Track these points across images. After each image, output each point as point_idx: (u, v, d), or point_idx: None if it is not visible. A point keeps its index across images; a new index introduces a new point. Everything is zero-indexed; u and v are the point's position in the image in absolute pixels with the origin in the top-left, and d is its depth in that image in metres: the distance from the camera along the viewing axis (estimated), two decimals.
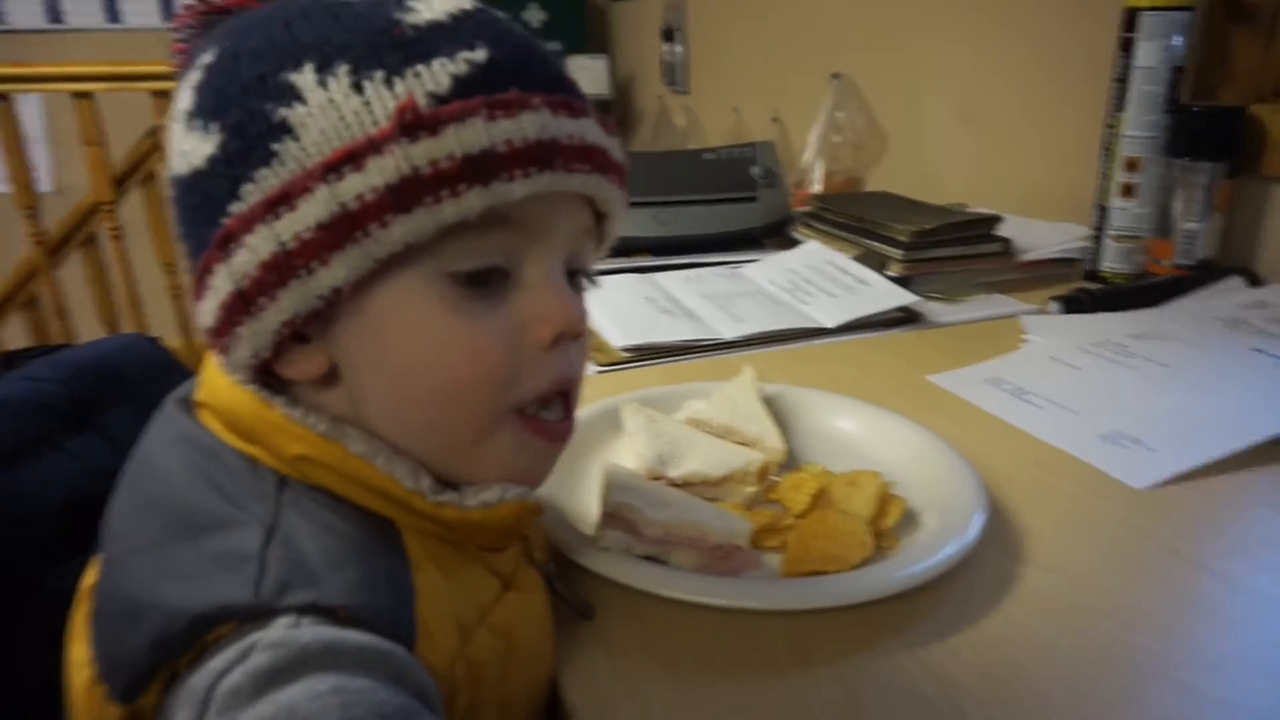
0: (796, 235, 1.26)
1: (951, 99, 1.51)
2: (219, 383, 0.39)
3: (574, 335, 0.40)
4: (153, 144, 2.35)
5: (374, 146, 0.34)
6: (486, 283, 0.38)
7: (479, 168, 0.35)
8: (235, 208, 0.36)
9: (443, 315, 0.37)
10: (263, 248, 0.35)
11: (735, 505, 0.58)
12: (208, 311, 0.38)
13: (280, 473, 0.37)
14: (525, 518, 0.41)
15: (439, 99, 0.35)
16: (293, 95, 0.35)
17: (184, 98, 0.38)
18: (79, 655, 0.38)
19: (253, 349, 0.37)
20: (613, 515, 0.51)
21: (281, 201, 0.35)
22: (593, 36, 3.10)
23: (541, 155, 0.36)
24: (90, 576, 0.40)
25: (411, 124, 0.34)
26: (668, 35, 2.66)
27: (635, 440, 0.62)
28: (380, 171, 0.34)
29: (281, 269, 0.35)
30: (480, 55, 0.36)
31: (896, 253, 1.05)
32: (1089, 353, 0.84)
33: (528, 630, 0.43)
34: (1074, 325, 0.92)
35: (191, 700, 0.32)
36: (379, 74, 0.35)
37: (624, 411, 0.65)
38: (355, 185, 0.34)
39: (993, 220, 1.11)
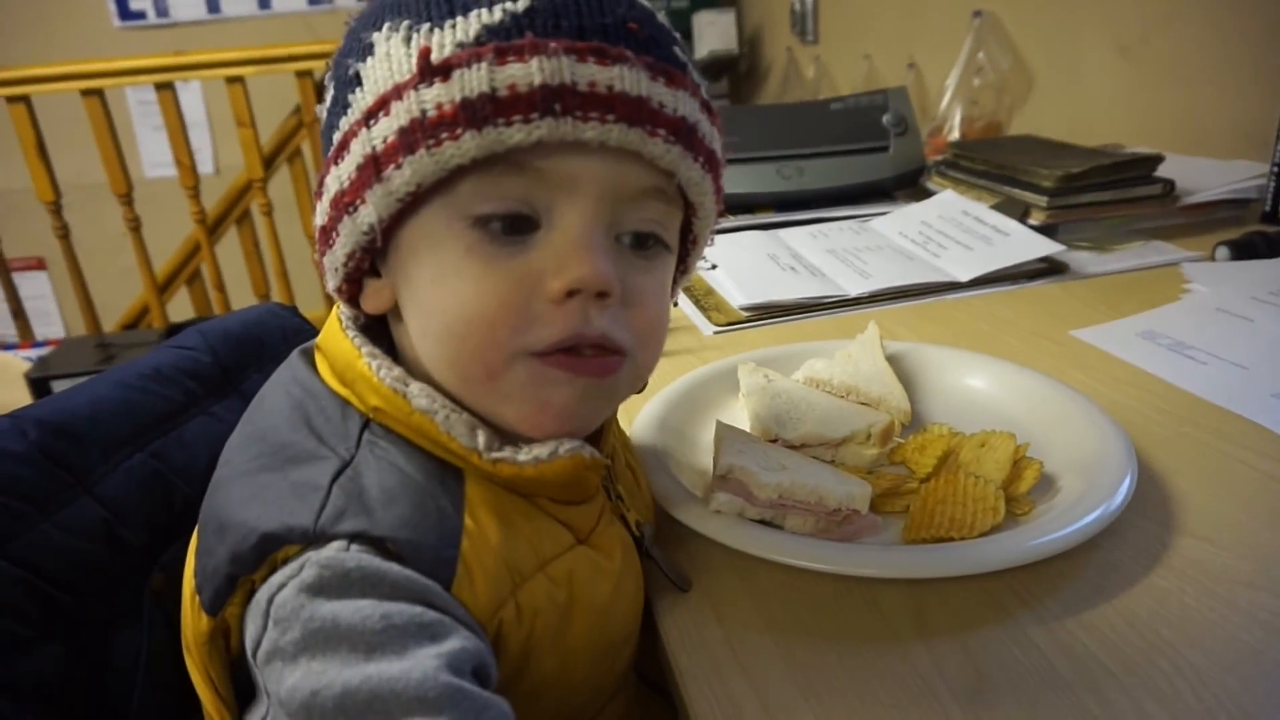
0: (931, 185, 1.20)
1: (1110, 29, 1.38)
2: (333, 329, 0.43)
3: (595, 292, 0.38)
4: (298, 121, 2.48)
5: (398, 92, 0.36)
6: (511, 230, 0.38)
7: (474, 112, 0.35)
8: (329, 152, 0.40)
9: (458, 256, 0.38)
10: (332, 187, 0.40)
11: (855, 468, 0.55)
12: (320, 213, 0.42)
13: (366, 417, 0.41)
14: (583, 472, 0.41)
15: (462, 47, 0.36)
16: (367, 51, 0.38)
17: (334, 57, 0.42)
18: (188, 574, 0.42)
19: (334, 279, 0.42)
20: (725, 478, 0.49)
21: (343, 146, 0.39)
22: None
23: (545, 101, 0.35)
24: None
25: (427, 70, 0.35)
26: None
27: (751, 401, 0.60)
28: (398, 115, 0.36)
29: (339, 207, 0.39)
30: (521, 5, 0.36)
31: (1040, 199, 0.98)
32: (1263, 302, 0.76)
33: (597, 586, 0.43)
34: (1246, 272, 0.83)
35: (257, 611, 0.36)
36: (425, 26, 0.37)
37: (740, 371, 0.64)
38: (381, 129, 0.37)
39: (1153, 160, 1.01)
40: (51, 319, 3.48)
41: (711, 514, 0.49)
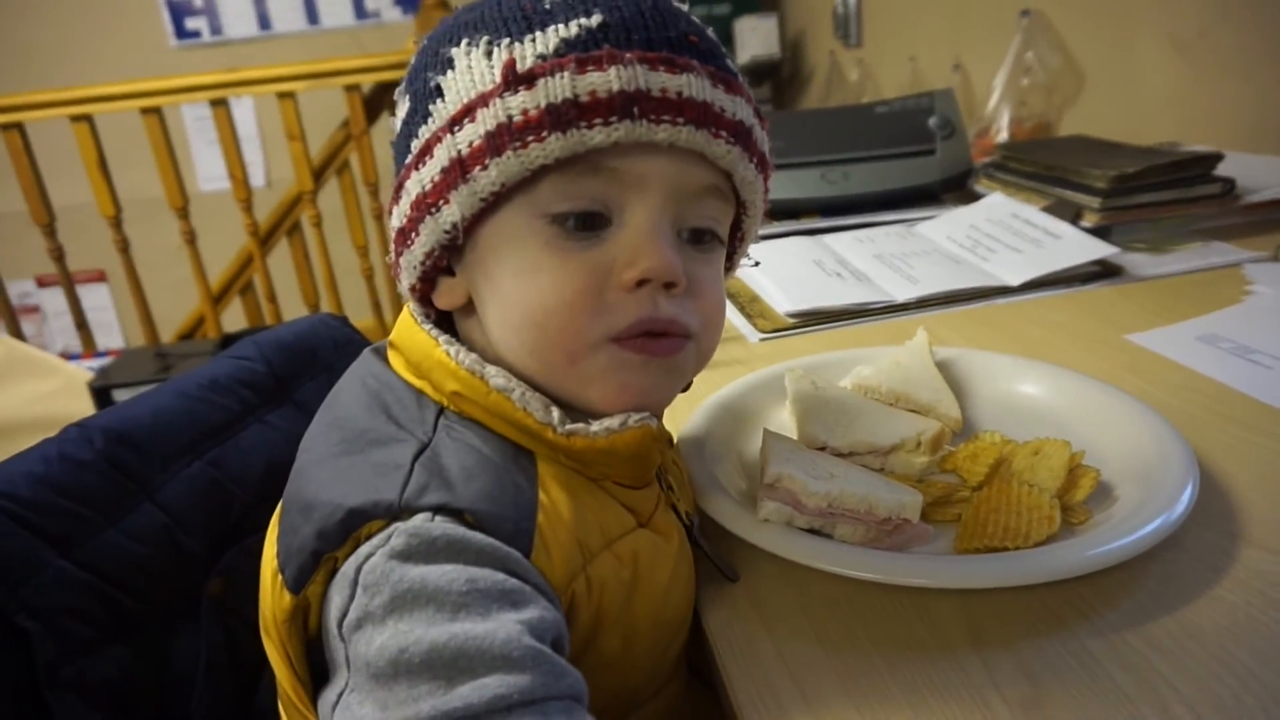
0: (979, 188, 1.18)
1: (1165, 24, 1.35)
2: (405, 325, 0.46)
3: (665, 283, 0.41)
4: (346, 135, 2.52)
5: (484, 100, 0.39)
6: (585, 226, 0.41)
7: (560, 116, 0.38)
8: (407, 159, 0.43)
9: (537, 250, 0.41)
10: (413, 190, 0.42)
11: (906, 476, 0.55)
12: (399, 215, 0.45)
13: (441, 404, 0.43)
14: (650, 443, 0.43)
15: (543, 58, 0.39)
16: (447, 65, 0.41)
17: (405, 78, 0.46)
18: (269, 554, 0.44)
19: (409, 277, 0.45)
20: (774, 486, 0.49)
21: (425, 152, 0.42)
22: None
23: (623, 105, 0.39)
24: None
25: (512, 79, 0.39)
26: None
27: (798, 408, 0.60)
28: (484, 121, 0.39)
29: (420, 208, 0.42)
30: (594, 20, 0.40)
31: (1093, 201, 0.96)
32: None
33: (659, 566, 0.45)
34: None
35: (344, 583, 0.38)
36: (505, 41, 0.40)
37: (787, 379, 0.63)
38: (468, 134, 0.40)
39: (1211, 159, 0.98)
40: (111, 330, 3.59)
41: (760, 522, 0.49)
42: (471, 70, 0.40)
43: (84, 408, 1.92)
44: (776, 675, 0.42)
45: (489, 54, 0.40)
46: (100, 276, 3.50)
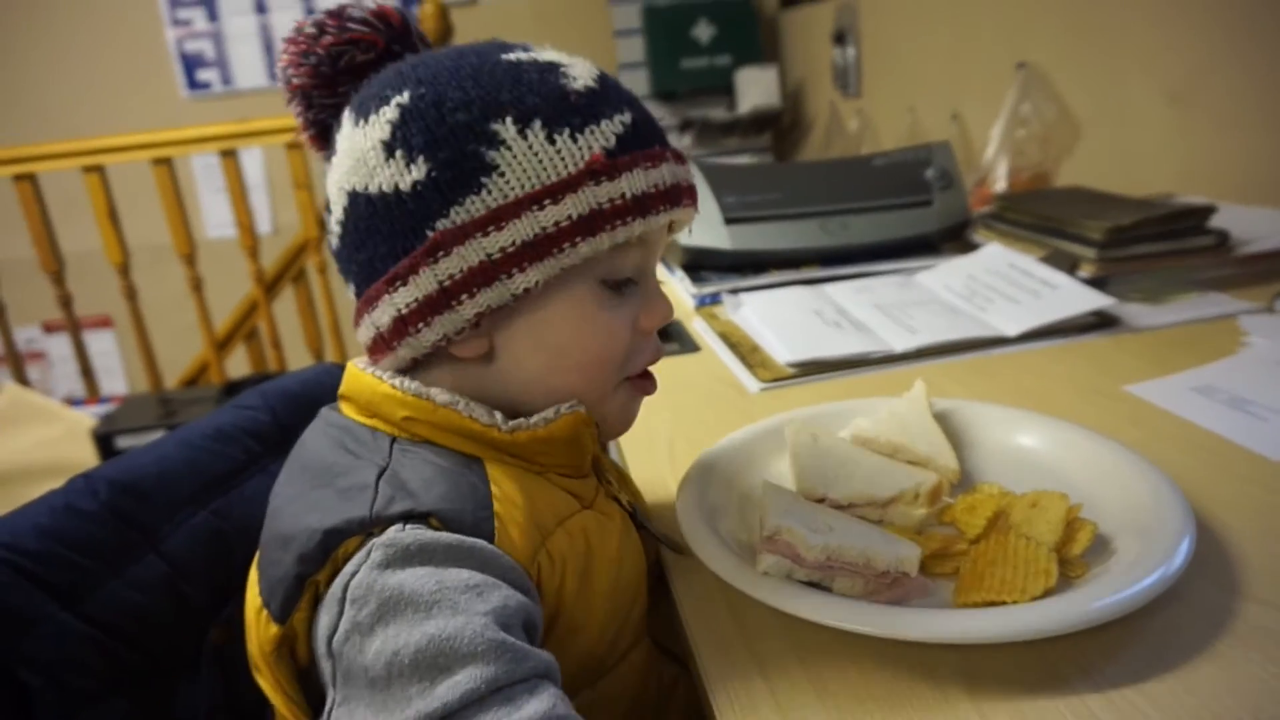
0: (976, 238, 1.19)
1: (1157, 77, 1.38)
2: (351, 376, 0.52)
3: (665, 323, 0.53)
4: None
5: (569, 186, 0.45)
6: (622, 287, 0.50)
7: (640, 204, 0.47)
8: (442, 224, 0.46)
9: (594, 309, 0.49)
10: (471, 256, 0.45)
11: (904, 529, 0.55)
12: (400, 302, 0.47)
13: (393, 435, 0.49)
14: (581, 427, 0.51)
15: (610, 152, 0.46)
16: (498, 141, 0.45)
17: (377, 130, 0.47)
18: (251, 595, 0.48)
19: (443, 332, 0.47)
20: (773, 539, 0.49)
21: (491, 222, 0.45)
22: (763, 46, 3.08)
23: (673, 195, 0.49)
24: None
25: (598, 171, 0.46)
26: (839, 38, 2.60)
27: (797, 460, 0.60)
28: (574, 205, 0.45)
29: (486, 273, 0.46)
30: (628, 118, 0.48)
31: (1089, 252, 0.97)
32: None
33: (607, 540, 0.52)
34: None
35: (332, 602, 0.43)
36: (566, 131, 0.46)
37: (786, 430, 0.64)
38: (553, 215, 0.45)
39: (1205, 211, 1.00)
40: (116, 375, 3.60)
41: (759, 575, 0.49)
42: (537, 154, 0.45)
43: (86, 454, 1.92)
44: None
45: (551, 140, 0.45)
46: (106, 322, 3.53)
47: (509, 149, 0.45)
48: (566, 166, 0.45)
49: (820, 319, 0.95)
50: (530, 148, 0.45)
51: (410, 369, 0.51)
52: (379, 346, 0.50)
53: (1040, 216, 1.09)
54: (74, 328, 2.47)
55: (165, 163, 2.28)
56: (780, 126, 3.08)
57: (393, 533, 0.43)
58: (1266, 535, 0.52)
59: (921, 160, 1.22)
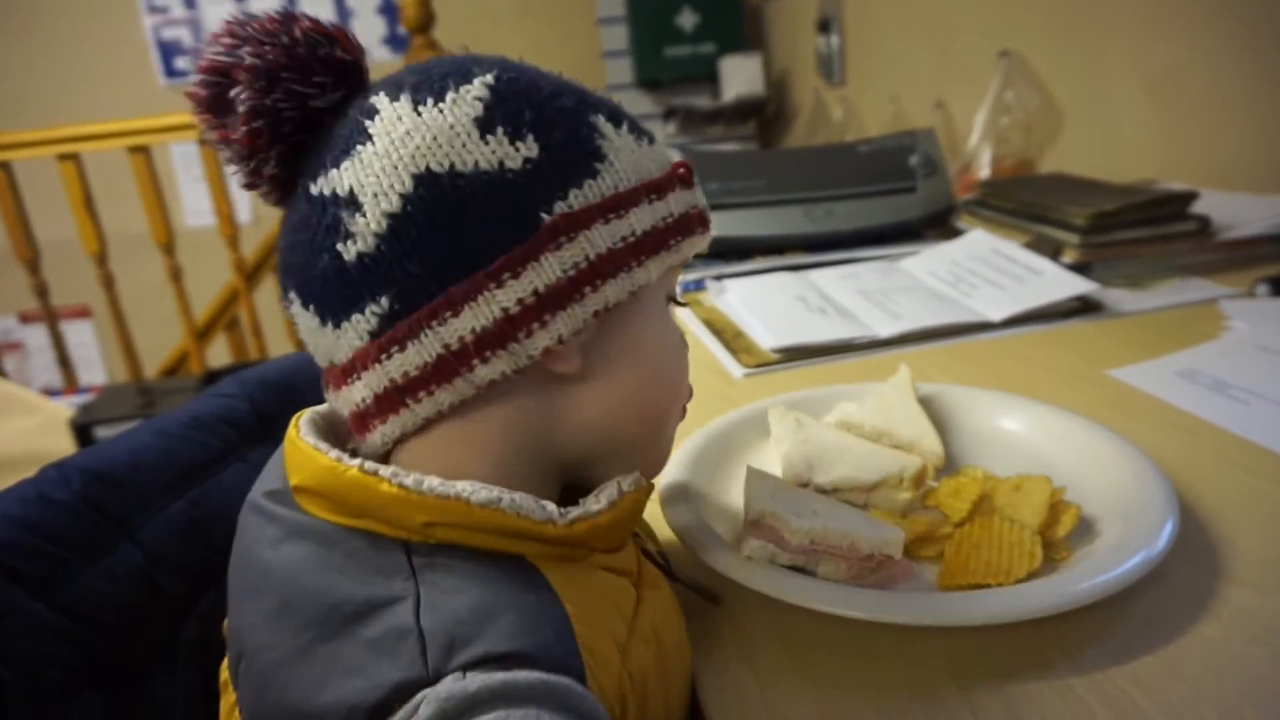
0: (960, 225, 1.19)
1: (1137, 66, 1.38)
2: (314, 465, 0.40)
3: None
4: None
5: (667, 186, 0.43)
6: (671, 308, 0.47)
7: (705, 218, 0.45)
8: (560, 207, 0.39)
9: (671, 321, 0.47)
10: (600, 243, 0.40)
11: (889, 513, 0.55)
12: (511, 298, 0.38)
13: (403, 539, 0.38)
14: (644, 500, 0.44)
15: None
16: (600, 131, 0.42)
17: (462, 107, 0.39)
18: None
19: (560, 332, 0.39)
20: (757, 523, 0.49)
21: (612, 209, 0.40)
22: (747, 34, 3.07)
23: (708, 223, 0.46)
24: (230, 691, 0.42)
25: (684, 177, 0.44)
26: (823, 26, 2.59)
27: (782, 445, 0.60)
28: (675, 203, 0.43)
29: (613, 262, 0.40)
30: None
31: (1072, 238, 0.98)
32: None
33: (670, 626, 0.45)
34: None
35: None
36: (645, 139, 0.44)
37: (771, 415, 0.63)
38: (662, 209, 0.42)
39: (1187, 197, 1.00)
40: (95, 366, 3.56)
41: (744, 560, 0.49)
42: (634, 150, 0.42)
43: (65, 445, 1.90)
44: (759, 713, 0.41)
45: (639, 142, 0.43)
46: (84, 312, 3.49)
47: (610, 141, 0.42)
48: (660, 167, 0.43)
49: (804, 305, 0.95)
50: (628, 144, 0.42)
51: (391, 449, 0.42)
52: (421, 383, 0.39)
53: (1023, 203, 1.09)
54: (50, 317, 2.43)
55: (143, 151, 2.25)
56: (765, 115, 3.08)
57: (451, 683, 0.32)
58: (1248, 518, 0.52)
59: (906, 147, 1.22)
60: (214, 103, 0.42)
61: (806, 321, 0.90)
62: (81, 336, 3.50)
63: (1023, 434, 0.62)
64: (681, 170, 0.44)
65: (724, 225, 1.13)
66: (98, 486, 0.59)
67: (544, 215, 0.39)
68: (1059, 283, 0.90)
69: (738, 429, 0.65)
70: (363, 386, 0.40)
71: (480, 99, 0.40)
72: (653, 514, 0.56)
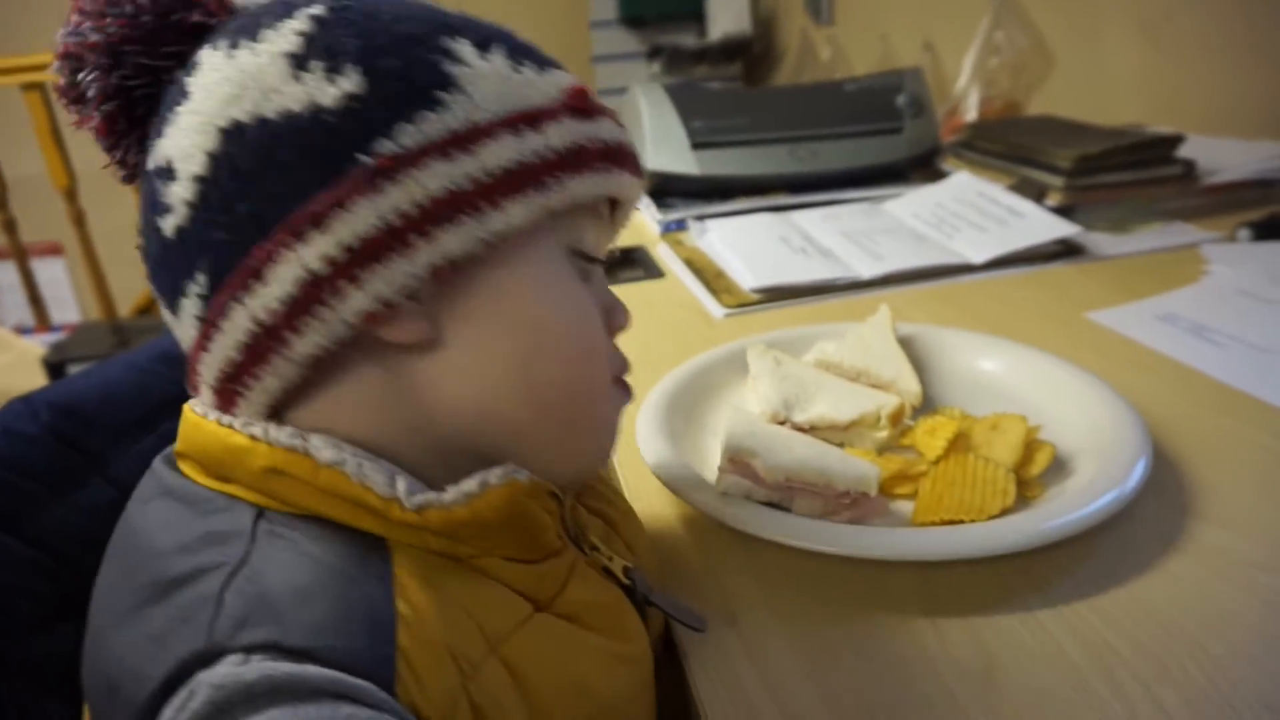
0: (946, 167, 1.18)
1: (1133, 6, 1.36)
2: (190, 425, 0.37)
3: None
4: None
5: (549, 114, 0.36)
6: (587, 265, 0.40)
7: (616, 155, 0.39)
8: (385, 146, 0.34)
9: (572, 280, 0.39)
10: (432, 185, 0.33)
11: (865, 451, 0.55)
12: (316, 254, 0.33)
13: (258, 505, 0.35)
14: (523, 502, 0.36)
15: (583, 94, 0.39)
16: (454, 57, 0.36)
17: (277, 43, 0.35)
18: None
19: (380, 293, 0.34)
20: (733, 460, 0.49)
21: (457, 144, 0.34)
22: None
23: (635, 162, 0.41)
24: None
25: (579, 107, 0.38)
26: None
27: (760, 383, 0.60)
28: (558, 135, 0.36)
29: (452, 206, 0.34)
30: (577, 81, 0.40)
31: (1057, 180, 0.97)
32: None
33: (572, 659, 0.37)
34: (1267, 254, 0.81)
35: None
36: (528, 62, 0.38)
37: (749, 354, 0.63)
38: (535, 142, 0.36)
39: (1173, 141, 0.99)
40: (67, 305, 3.51)
41: (719, 496, 0.49)
42: (505, 76, 0.36)
43: (37, 382, 1.87)
44: (733, 649, 0.42)
45: (516, 67, 0.37)
46: (56, 249, 3.42)
47: (469, 68, 0.35)
48: (546, 96, 0.37)
49: (787, 245, 0.94)
50: (496, 69, 0.36)
51: (279, 409, 0.36)
52: (243, 367, 0.35)
53: (1010, 145, 1.08)
54: (20, 254, 2.39)
55: None
56: (751, 55, 3.02)
57: (229, 667, 0.29)
58: (1220, 458, 0.53)
59: (893, 87, 1.20)
60: (72, 90, 0.38)
61: (788, 262, 0.89)
62: (53, 274, 3.44)
63: (1000, 375, 0.62)
64: (575, 97, 0.38)
65: (707, 164, 1.11)
66: (66, 420, 0.58)
67: (362, 156, 0.33)
68: (1041, 225, 0.90)
69: (717, 368, 0.65)
70: (204, 379, 0.36)
71: (301, 32, 0.35)
72: (630, 452, 0.56)
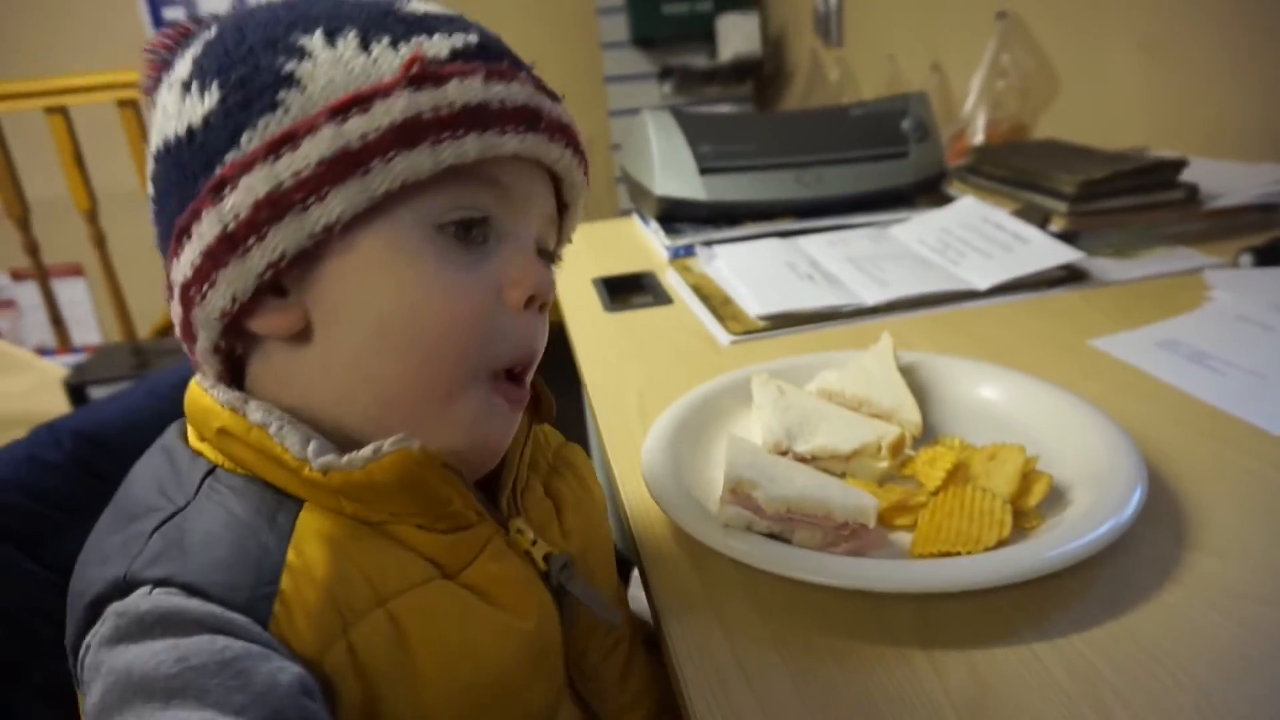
0: (951, 191, 1.19)
1: (1134, 29, 1.37)
2: (189, 392, 0.42)
3: (543, 302, 0.42)
4: None
5: (381, 92, 0.36)
6: (470, 237, 0.40)
7: (476, 117, 0.37)
8: (232, 155, 0.37)
9: (429, 262, 0.38)
10: (259, 187, 0.36)
11: (866, 481, 0.56)
12: (185, 263, 0.38)
13: (214, 464, 0.39)
14: (415, 469, 0.38)
15: (440, 62, 0.37)
16: (301, 53, 0.37)
17: (180, 69, 0.39)
18: None
19: (232, 293, 0.37)
20: (734, 491, 0.50)
21: (284, 142, 0.36)
22: None
23: (529, 118, 0.39)
24: None
25: (418, 75, 0.36)
26: None
27: (763, 413, 0.61)
28: (386, 113, 0.36)
29: (277, 205, 0.36)
30: (474, 38, 0.39)
31: (1060, 206, 0.98)
32: None
33: (460, 625, 0.39)
34: (1269, 279, 0.82)
35: (82, 674, 0.35)
36: (385, 38, 0.38)
37: (753, 383, 0.64)
38: (360, 125, 0.36)
39: (1175, 165, 1.00)
40: (88, 325, 3.55)
41: (721, 527, 0.50)
42: (346, 61, 0.37)
43: (59, 405, 1.90)
44: (732, 678, 0.43)
45: (365, 47, 0.37)
46: (77, 271, 3.47)
47: (312, 59, 0.37)
48: (381, 73, 0.37)
49: (793, 271, 0.95)
50: (339, 56, 0.37)
51: (236, 374, 0.42)
52: (186, 341, 0.41)
53: (1014, 170, 1.09)
54: (42, 276, 2.43)
55: (131, 104, 2.22)
56: (762, 75, 3.04)
57: (134, 598, 0.34)
58: (1217, 487, 0.54)
59: (898, 111, 1.22)
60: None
61: (794, 288, 0.91)
62: (75, 295, 3.49)
63: (1001, 403, 0.63)
64: (410, 67, 0.36)
65: (715, 190, 1.13)
66: (89, 448, 0.60)
67: (218, 168, 0.37)
68: (1046, 251, 0.91)
69: (722, 396, 0.66)
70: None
71: (193, 58, 0.39)
72: (636, 480, 0.57)
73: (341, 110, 0.36)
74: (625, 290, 1.02)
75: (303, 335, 0.39)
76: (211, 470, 0.39)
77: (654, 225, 1.17)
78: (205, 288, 0.37)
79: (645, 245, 1.20)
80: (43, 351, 2.57)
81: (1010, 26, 1.60)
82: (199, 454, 0.40)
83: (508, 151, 0.39)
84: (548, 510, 0.47)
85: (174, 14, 3.33)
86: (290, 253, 0.37)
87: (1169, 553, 0.48)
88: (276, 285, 0.38)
